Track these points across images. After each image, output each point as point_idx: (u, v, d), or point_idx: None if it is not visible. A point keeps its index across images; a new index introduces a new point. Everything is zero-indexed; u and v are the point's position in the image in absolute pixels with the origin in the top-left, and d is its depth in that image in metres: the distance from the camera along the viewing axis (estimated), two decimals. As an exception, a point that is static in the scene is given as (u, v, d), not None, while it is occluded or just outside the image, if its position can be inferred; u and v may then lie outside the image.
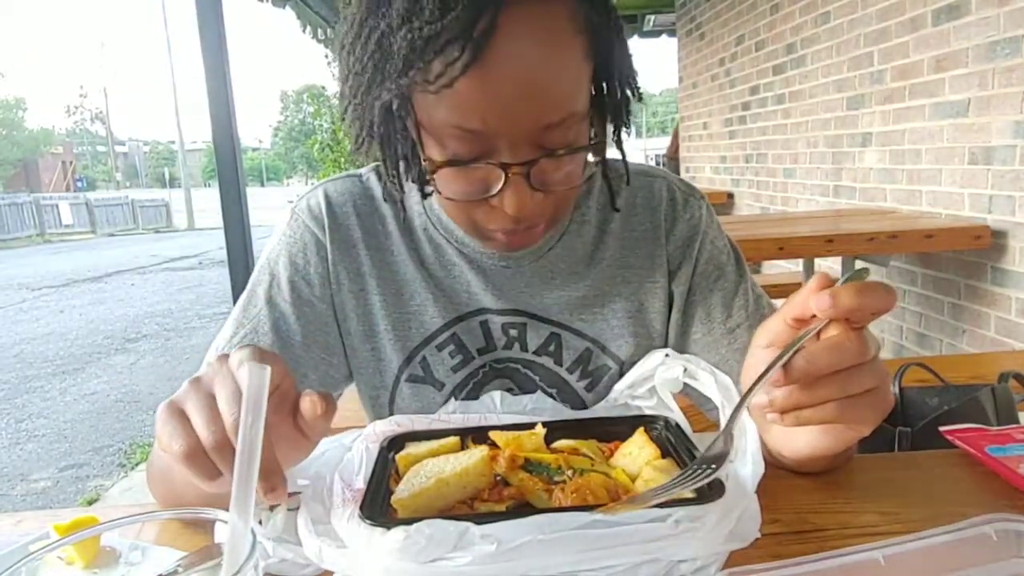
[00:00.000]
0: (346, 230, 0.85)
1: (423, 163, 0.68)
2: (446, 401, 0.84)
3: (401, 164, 0.75)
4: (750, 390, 0.52)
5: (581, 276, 0.85)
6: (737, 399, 0.58)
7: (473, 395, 0.84)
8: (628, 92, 0.73)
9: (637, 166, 0.89)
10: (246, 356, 0.50)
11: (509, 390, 0.84)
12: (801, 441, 0.57)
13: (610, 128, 0.75)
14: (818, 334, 0.51)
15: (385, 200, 0.86)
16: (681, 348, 0.86)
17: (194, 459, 0.48)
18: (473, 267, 0.84)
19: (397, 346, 0.84)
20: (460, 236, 0.84)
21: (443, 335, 0.84)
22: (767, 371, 0.50)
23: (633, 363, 0.83)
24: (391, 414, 0.85)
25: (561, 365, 0.84)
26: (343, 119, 0.72)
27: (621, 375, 0.84)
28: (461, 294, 0.84)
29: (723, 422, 0.55)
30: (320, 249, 0.84)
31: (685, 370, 0.66)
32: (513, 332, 0.84)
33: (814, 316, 0.51)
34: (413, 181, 0.75)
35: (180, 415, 0.50)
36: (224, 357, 0.52)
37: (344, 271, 0.84)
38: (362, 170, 0.89)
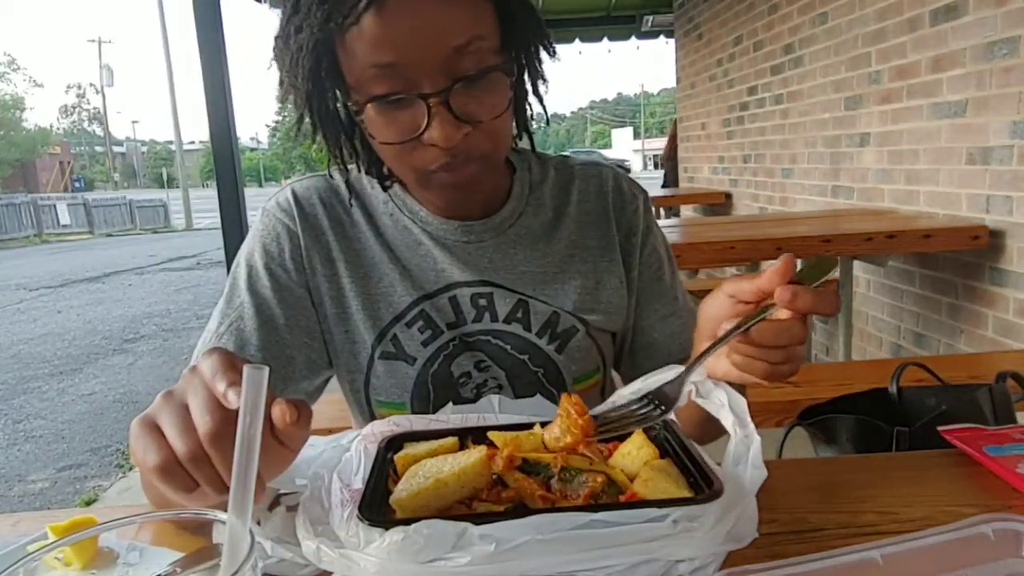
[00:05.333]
0: (314, 219, 0.89)
1: (350, 105, 0.74)
2: (418, 375, 0.86)
3: (343, 141, 0.81)
4: (713, 347, 0.62)
5: (541, 252, 0.90)
6: (748, 418, 0.61)
7: (444, 368, 0.87)
8: (537, 43, 0.79)
9: (586, 159, 0.99)
10: (217, 362, 0.49)
11: (480, 362, 0.88)
12: (721, 370, 0.66)
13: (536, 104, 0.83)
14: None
15: (350, 191, 0.91)
16: (637, 330, 0.95)
17: (169, 472, 0.48)
18: (439, 245, 0.88)
19: (368, 325, 0.87)
20: (424, 215, 0.88)
21: (411, 312, 0.87)
22: (730, 333, 0.60)
23: (598, 329, 0.91)
24: (367, 397, 0.89)
25: (530, 330, 0.88)
26: (282, 101, 0.78)
27: (589, 336, 0.90)
28: (428, 272, 0.88)
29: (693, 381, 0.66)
30: (292, 237, 0.88)
31: (696, 390, 0.66)
32: (482, 302, 0.87)
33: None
34: (356, 153, 0.83)
35: (153, 429, 0.49)
36: (195, 368, 0.51)
37: (316, 256, 0.88)
38: (326, 171, 0.94)
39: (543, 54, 0.81)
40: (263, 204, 0.92)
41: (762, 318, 0.59)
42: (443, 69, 0.69)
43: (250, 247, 0.89)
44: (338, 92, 0.77)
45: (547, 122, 0.90)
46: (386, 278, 0.88)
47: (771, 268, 0.59)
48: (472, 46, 0.69)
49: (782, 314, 0.59)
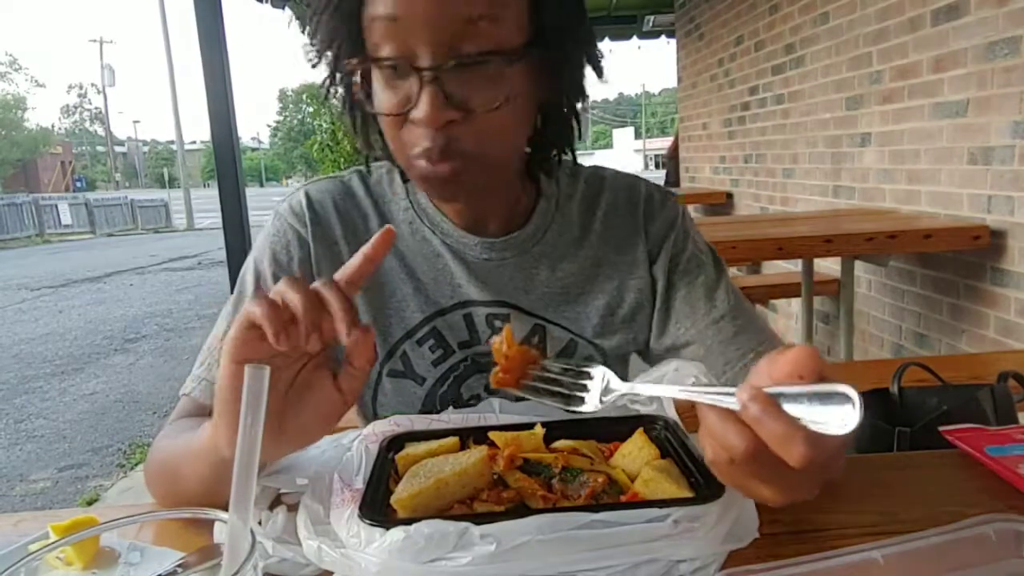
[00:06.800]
0: (327, 227, 0.86)
1: (352, 64, 0.71)
2: (427, 396, 0.85)
3: (358, 116, 0.78)
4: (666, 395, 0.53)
5: (564, 272, 0.87)
6: None
7: (454, 390, 0.85)
8: (580, 54, 0.75)
9: (618, 171, 0.94)
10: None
11: (516, 398, 0.84)
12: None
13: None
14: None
15: (368, 197, 0.88)
16: (664, 342, 0.88)
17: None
18: (457, 259, 0.85)
19: (378, 340, 0.85)
20: (446, 228, 0.86)
21: (423, 329, 0.85)
22: (688, 392, 0.49)
23: (617, 356, 0.87)
24: (374, 411, 0.87)
25: (545, 358, 0.85)
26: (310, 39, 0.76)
27: (605, 364, 0.85)
28: (444, 287, 0.85)
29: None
30: (303, 245, 0.86)
31: (693, 382, 0.64)
32: (497, 323, 0.85)
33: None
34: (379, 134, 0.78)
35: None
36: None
37: (327, 266, 0.85)
38: (344, 173, 0.91)
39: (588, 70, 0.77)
40: (276, 206, 0.89)
41: (711, 403, 0.46)
42: (443, 40, 0.65)
43: (260, 251, 0.86)
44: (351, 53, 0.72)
45: (579, 136, 0.84)
46: (399, 292, 0.85)
47: (791, 354, 0.44)
48: (480, 24, 0.65)
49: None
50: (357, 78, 0.73)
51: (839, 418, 0.40)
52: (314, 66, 0.76)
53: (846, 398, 0.40)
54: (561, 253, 0.87)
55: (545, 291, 0.86)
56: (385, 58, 0.68)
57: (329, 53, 0.73)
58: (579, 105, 0.78)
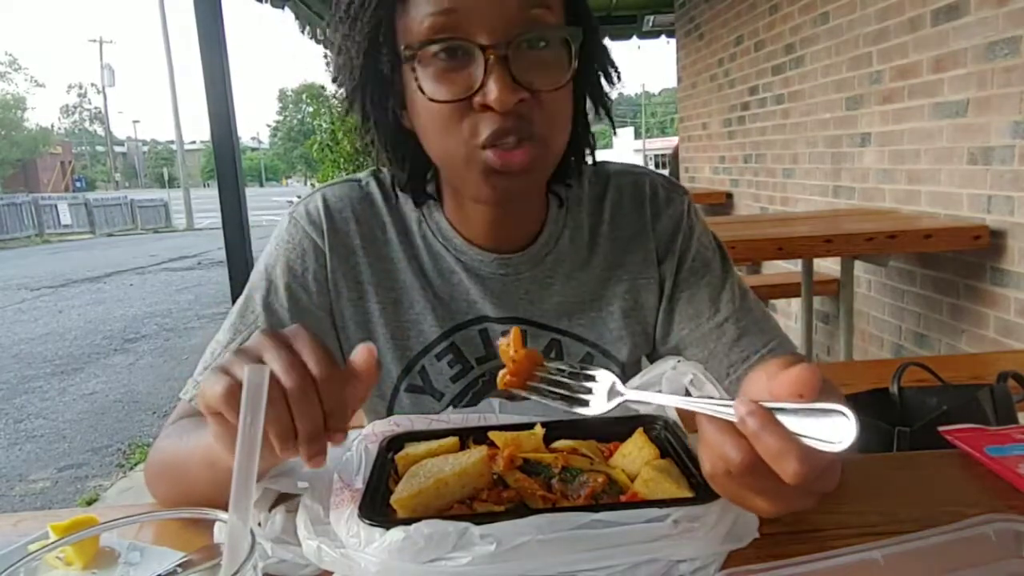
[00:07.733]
0: (345, 236, 0.84)
1: (404, 52, 0.68)
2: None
3: (388, 137, 0.77)
4: (663, 403, 0.53)
5: (577, 280, 0.85)
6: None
7: (472, 405, 0.83)
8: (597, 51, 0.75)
9: (622, 165, 0.91)
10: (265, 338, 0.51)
11: (510, 397, 0.83)
12: None
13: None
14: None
15: (385, 203, 0.86)
16: (668, 343, 0.87)
17: (272, 403, 0.47)
18: (471, 275, 0.84)
19: (396, 355, 0.84)
20: (459, 244, 0.84)
21: (441, 344, 0.83)
22: (694, 402, 0.49)
23: (632, 362, 0.86)
24: None
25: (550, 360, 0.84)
26: (332, 63, 0.76)
27: (622, 377, 0.84)
28: (460, 302, 0.84)
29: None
30: (319, 256, 0.83)
31: (692, 380, 0.64)
32: None
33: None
34: (399, 151, 0.78)
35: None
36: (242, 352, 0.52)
37: (343, 279, 0.83)
38: (361, 175, 0.89)
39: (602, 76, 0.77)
40: (291, 210, 0.86)
41: (710, 414, 0.46)
42: (503, 23, 0.65)
43: (272, 258, 0.83)
44: (389, 57, 0.71)
45: (614, 130, 0.88)
46: (417, 305, 0.83)
47: (793, 373, 0.44)
48: (535, 12, 0.66)
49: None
50: (394, 76, 0.71)
51: (836, 434, 0.41)
52: (334, 79, 0.76)
53: (843, 416, 0.41)
54: (574, 259, 0.86)
55: (560, 300, 0.85)
56: (444, 39, 0.66)
57: (359, 60, 0.71)
58: (602, 108, 0.79)
